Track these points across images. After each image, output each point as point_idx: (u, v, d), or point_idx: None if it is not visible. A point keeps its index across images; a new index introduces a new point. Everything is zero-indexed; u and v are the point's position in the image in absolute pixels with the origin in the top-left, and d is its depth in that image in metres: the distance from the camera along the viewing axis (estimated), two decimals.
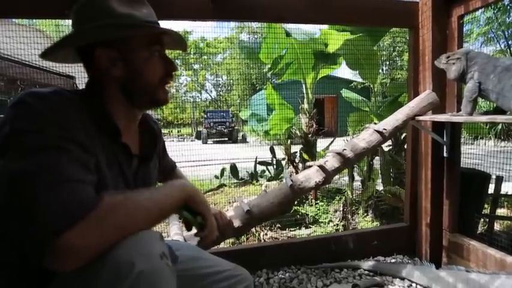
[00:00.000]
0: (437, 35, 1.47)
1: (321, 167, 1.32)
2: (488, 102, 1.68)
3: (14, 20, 2.25)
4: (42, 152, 0.48)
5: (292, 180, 1.27)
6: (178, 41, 0.72)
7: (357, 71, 3.11)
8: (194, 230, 1.15)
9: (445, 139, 1.46)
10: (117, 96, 0.65)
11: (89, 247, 0.47)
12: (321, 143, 3.12)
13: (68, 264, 0.46)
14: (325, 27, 3.14)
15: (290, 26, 2.87)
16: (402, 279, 1.41)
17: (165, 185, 0.67)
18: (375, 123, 1.47)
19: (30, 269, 0.55)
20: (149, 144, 0.76)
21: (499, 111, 1.15)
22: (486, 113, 1.21)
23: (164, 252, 0.53)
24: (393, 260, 1.62)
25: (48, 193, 0.46)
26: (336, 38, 2.74)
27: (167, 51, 0.72)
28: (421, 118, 1.43)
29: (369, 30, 2.78)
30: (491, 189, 1.83)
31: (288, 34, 2.83)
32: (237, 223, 1.16)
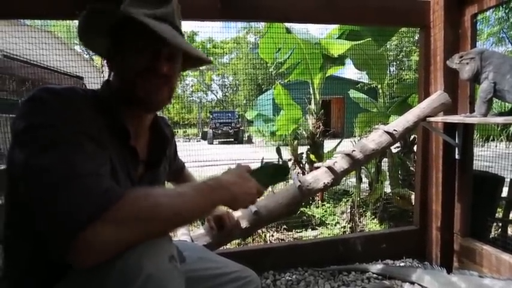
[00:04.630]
0: (449, 35, 1.44)
1: (330, 168, 1.30)
2: (500, 103, 1.64)
3: (25, 21, 2.29)
4: (59, 147, 0.48)
5: (300, 181, 1.26)
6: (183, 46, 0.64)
7: (365, 72, 3.08)
8: (199, 231, 1.15)
9: (456, 141, 1.43)
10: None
11: (111, 241, 0.45)
12: (328, 144, 3.10)
13: (90, 258, 0.45)
14: (328, 30, 3.12)
15: (293, 25, 2.84)
16: (412, 283, 1.38)
17: (196, 186, 0.58)
18: (384, 124, 1.44)
19: (40, 265, 0.55)
20: (158, 150, 0.73)
21: None
22: (502, 114, 1.18)
23: (173, 255, 0.52)
24: (402, 264, 1.59)
25: (68, 187, 0.46)
26: (337, 48, 2.71)
27: None
28: (432, 119, 1.40)
29: (376, 30, 2.74)
30: (504, 192, 1.78)
31: (288, 31, 2.81)
32: (244, 224, 1.15)
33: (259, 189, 0.68)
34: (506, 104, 1.19)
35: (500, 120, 1.13)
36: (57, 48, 2.17)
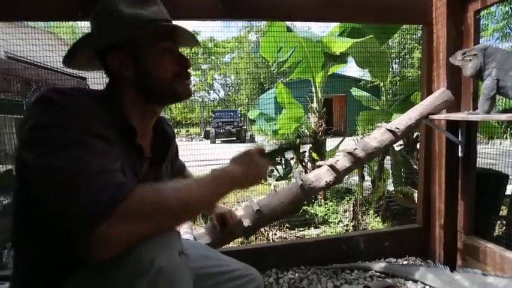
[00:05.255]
0: (452, 31, 1.42)
1: (332, 167, 1.30)
2: (505, 100, 1.63)
3: (29, 23, 2.31)
4: (68, 146, 0.49)
5: (302, 180, 1.26)
6: (188, 35, 0.70)
7: (367, 69, 3.06)
8: (202, 230, 1.16)
9: (460, 138, 1.42)
10: (134, 97, 0.65)
11: (124, 234, 0.47)
12: (330, 143, 3.09)
13: (105, 251, 0.46)
14: (330, 28, 3.10)
15: (294, 23, 2.83)
16: (415, 281, 1.38)
17: (200, 179, 0.61)
18: (386, 122, 1.44)
19: (49, 264, 0.56)
20: (162, 147, 0.76)
21: None
22: (505, 111, 1.17)
23: (182, 250, 0.54)
24: (405, 262, 1.58)
25: (81, 184, 0.46)
26: (339, 46, 2.70)
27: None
28: (435, 117, 1.39)
29: (378, 27, 2.72)
30: (508, 190, 1.77)
31: (289, 30, 2.80)
32: (246, 222, 1.16)
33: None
34: (510, 101, 1.18)
35: (504, 117, 1.12)
36: (60, 50, 2.18)
